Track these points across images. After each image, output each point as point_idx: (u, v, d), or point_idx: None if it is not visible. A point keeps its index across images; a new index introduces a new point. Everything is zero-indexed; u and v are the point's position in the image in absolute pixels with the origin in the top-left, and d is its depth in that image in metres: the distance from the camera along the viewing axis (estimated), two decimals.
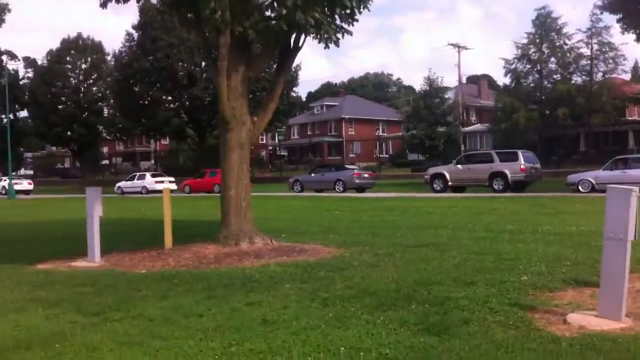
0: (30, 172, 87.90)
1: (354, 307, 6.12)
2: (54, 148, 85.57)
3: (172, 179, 45.02)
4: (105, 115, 63.01)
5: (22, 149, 73.78)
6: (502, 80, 65.50)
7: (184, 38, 48.18)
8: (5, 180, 55.89)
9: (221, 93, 10.47)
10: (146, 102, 52.72)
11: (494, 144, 53.97)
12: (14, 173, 51.52)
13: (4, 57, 65.20)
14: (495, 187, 29.14)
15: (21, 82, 68.41)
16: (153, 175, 45.74)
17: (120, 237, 13.17)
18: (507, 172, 28.90)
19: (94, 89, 62.04)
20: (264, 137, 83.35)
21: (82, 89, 60.92)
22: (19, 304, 7.02)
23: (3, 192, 53.21)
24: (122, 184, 46.37)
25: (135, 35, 52.42)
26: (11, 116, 60.88)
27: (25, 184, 51.68)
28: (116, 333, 5.62)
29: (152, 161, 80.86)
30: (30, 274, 9.02)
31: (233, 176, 10.66)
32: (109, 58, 61.23)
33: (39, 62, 62.94)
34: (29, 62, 66.07)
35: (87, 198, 10.43)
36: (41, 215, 23.26)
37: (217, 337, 5.33)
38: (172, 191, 36.99)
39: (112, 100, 59.77)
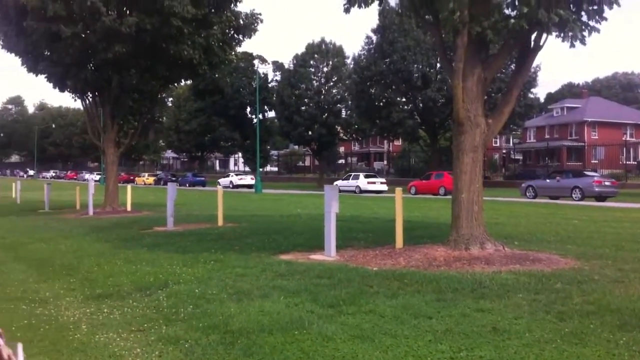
0: (275, 168, 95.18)
1: (593, 323, 5.74)
2: (296, 147, 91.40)
3: (384, 180, 46.99)
4: (343, 116, 65.91)
5: (268, 147, 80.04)
6: None
7: (420, 40, 48.72)
8: (232, 175, 62.00)
9: (456, 95, 10.42)
10: (381, 104, 54.13)
11: None
12: (260, 169, 56.20)
13: (256, 62, 71.36)
14: None
15: (270, 85, 74.24)
16: (366, 176, 47.82)
17: (353, 234, 13.71)
18: None
19: (333, 91, 65.13)
20: (498, 140, 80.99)
21: (323, 91, 64.30)
22: (264, 291, 7.65)
23: (230, 186, 58.79)
24: (339, 182, 48.67)
25: (374, 38, 54.12)
26: (260, 116, 66.31)
27: (248, 179, 58.05)
28: (349, 326, 5.89)
29: (385, 161, 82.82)
30: (274, 264, 9.78)
31: (465, 179, 10.55)
32: (348, 61, 63.92)
33: (286, 66, 67.75)
34: (277, 65, 71.48)
35: (325, 195, 11.03)
36: (283, 209, 25.04)
37: (446, 340, 5.34)
38: (381, 192, 38.09)
39: (349, 102, 62.31)
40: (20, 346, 0.72)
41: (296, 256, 10.70)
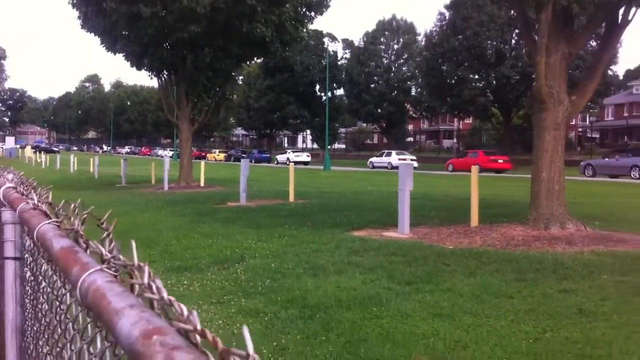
0: (342, 145, 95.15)
1: None
2: (364, 124, 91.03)
3: (414, 157, 50.76)
4: (413, 93, 65.16)
5: (336, 125, 79.97)
6: None
7: (494, 15, 47.41)
8: (289, 152, 63.29)
9: (538, 71, 10.08)
10: (453, 81, 53.17)
11: None
12: (329, 147, 56.42)
13: (326, 40, 71.18)
14: None
15: (339, 63, 74.03)
16: (397, 154, 51.43)
17: (426, 212, 13.55)
18: None
19: (403, 68, 64.48)
20: (574, 118, 78.39)
21: (393, 68, 63.72)
22: (339, 267, 7.66)
23: (287, 163, 59.55)
24: (373, 159, 53.64)
25: (447, 14, 53.06)
26: (329, 94, 66.35)
27: (304, 156, 60.76)
28: (427, 304, 5.83)
29: (455, 139, 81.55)
30: (347, 240, 9.75)
31: (546, 158, 10.25)
32: (419, 38, 63.00)
33: (356, 44, 67.35)
34: (347, 43, 71.18)
35: (400, 173, 10.93)
36: (352, 186, 25.02)
37: (529, 321, 5.21)
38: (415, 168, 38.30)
39: (420, 79, 61.55)
40: (246, 329, 0.67)
41: (369, 233, 10.66)
